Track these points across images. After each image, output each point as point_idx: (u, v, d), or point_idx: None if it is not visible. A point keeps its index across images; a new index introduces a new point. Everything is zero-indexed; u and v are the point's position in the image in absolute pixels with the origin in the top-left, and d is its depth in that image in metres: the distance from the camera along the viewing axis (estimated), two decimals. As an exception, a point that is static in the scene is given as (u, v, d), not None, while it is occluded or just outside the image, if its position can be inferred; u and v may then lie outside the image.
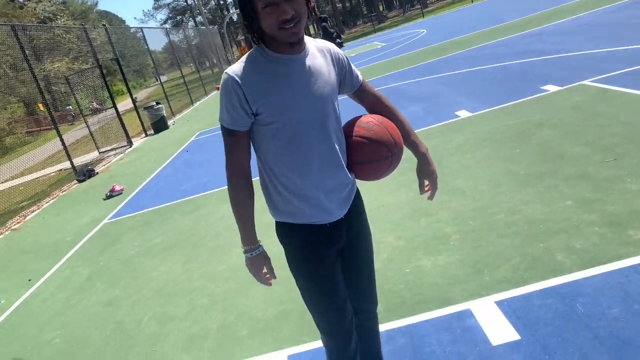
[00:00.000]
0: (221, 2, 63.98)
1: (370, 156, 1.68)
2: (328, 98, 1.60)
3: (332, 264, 1.73)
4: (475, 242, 3.11)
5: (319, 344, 2.51)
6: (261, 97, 1.50)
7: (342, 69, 1.71)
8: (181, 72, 22.04)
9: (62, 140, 10.65)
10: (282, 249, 1.73)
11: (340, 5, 52.22)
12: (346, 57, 1.74)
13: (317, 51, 1.64)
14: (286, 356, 2.60)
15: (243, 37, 56.29)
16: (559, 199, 3.31)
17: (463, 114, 6.04)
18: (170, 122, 15.73)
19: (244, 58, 1.56)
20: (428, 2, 41.49)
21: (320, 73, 1.59)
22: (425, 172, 1.82)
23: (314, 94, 1.56)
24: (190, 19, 65.75)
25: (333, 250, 1.72)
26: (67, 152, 10.77)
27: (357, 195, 1.82)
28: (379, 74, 11.80)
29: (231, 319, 3.15)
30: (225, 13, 59.99)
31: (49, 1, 46.44)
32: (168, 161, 9.44)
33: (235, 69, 1.52)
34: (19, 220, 8.27)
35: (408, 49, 15.42)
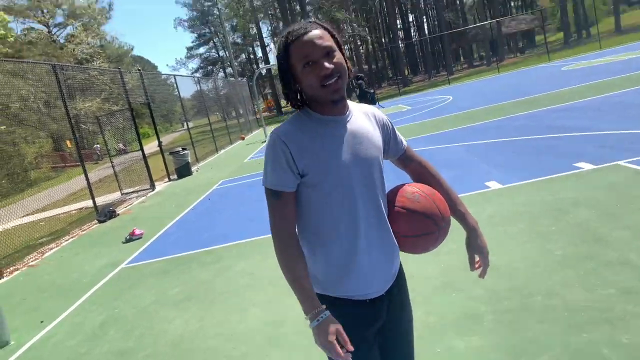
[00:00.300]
0: (251, 56, 66.19)
1: (416, 229, 1.62)
2: (374, 160, 1.58)
3: (369, 345, 1.62)
4: (512, 325, 2.95)
5: None
6: (307, 155, 1.49)
7: (387, 134, 1.71)
8: (209, 119, 22.50)
9: (87, 178, 10.79)
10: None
11: (366, 66, 53.55)
12: (390, 122, 1.75)
13: (362, 114, 1.64)
14: None
15: (270, 91, 57.87)
16: (601, 285, 3.15)
17: (493, 185, 5.95)
18: (194, 169, 15.90)
19: (290, 119, 1.57)
20: (454, 69, 42.36)
21: (365, 135, 1.58)
22: (476, 246, 1.73)
23: (360, 156, 1.54)
24: (221, 69, 67.92)
25: (372, 330, 1.63)
26: (90, 191, 10.87)
27: (400, 268, 1.73)
28: (404, 137, 11.85)
29: (249, 386, 2.99)
30: (255, 67, 62.00)
31: (87, 44, 48.66)
32: (190, 208, 9.44)
33: (281, 129, 1.53)
34: (36, 257, 8.24)
35: (434, 115, 15.56)
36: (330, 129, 1.53)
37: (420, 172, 1.79)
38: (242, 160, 15.97)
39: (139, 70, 15.15)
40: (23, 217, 12.91)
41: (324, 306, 1.51)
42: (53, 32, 46.94)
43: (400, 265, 1.73)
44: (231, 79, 36.30)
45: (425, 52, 47.48)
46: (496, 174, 6.40)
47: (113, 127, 14.88)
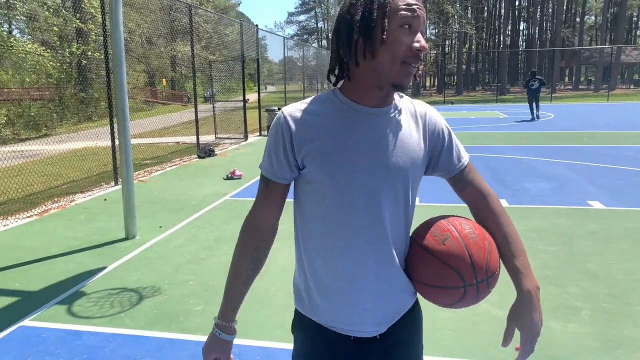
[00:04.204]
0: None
1: (433, 279, 1.22)
2: (402, 172, 1.22)
3: None
4: (609, 323, 3.17)
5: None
6: (309, 146, 1.19)
7: (437, 143, 1.30)
8: (303, 87, 23.19)
9: (196, 116, 11.62)
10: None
11: (465, 66, 52.33)
12: (449, 129, 1.33)
13: (409, 113, 1.28)
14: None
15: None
16: None
17: (596, 204, 5.99)
18: (284, 129, 16.54)
19: (311, 98, 1.28)
20: (557, 88, 40.61)
21: (402, 139, 1.22)
22: (524, 321, 1.22)
23: (384, 161, 1.20)
24: (315, 40, 68.75)
25: None
26: (197, 128, 11.70)
27: (415, 313, 1.37)
28: (499, 143, 11.82)
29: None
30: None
31: (198, -11, 50.51)
32: (284, 163, 9.97)
33: (292, 107, 1.25)
34: (144, 175, 9.09)
35: (533, 128, 15.26)
36: (353, 121, 1.20)
37: (478, 202, 1.33)
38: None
39: (256, 26, 15.84)
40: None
41: (234, 326, 1.34)
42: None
43: (417, 310, 1.38)
44: (325, 51, 36.77)
45: (529, 63, 45.70)
46: (600, 195, 6.42)
47: (217, 75, 15.69)
